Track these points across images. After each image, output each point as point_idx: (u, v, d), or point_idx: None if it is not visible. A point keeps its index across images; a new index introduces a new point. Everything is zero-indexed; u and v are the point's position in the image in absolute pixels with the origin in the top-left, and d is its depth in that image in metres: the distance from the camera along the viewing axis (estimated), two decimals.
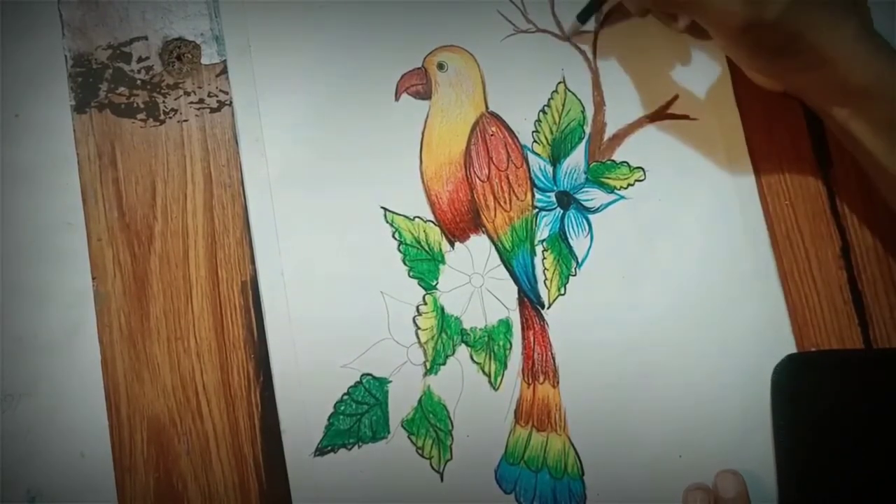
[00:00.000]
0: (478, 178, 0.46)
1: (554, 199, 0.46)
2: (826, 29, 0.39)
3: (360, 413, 0.44)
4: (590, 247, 0.46)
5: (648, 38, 0.48)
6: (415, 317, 0.45)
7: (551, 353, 0.45)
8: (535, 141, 0.47)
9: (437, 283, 0.45)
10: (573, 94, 0.47)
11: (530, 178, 0.46)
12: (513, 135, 0.47)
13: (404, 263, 0.45)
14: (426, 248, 0.45)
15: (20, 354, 0.44)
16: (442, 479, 0.43)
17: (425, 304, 0.45)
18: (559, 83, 0.47)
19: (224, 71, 0.47)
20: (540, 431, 0.44)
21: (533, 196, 0.46)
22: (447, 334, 0.45)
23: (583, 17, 0.47)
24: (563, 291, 0.45)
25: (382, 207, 0.45)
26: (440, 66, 0.47)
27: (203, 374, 0.44)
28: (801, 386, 0.43)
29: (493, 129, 0.47)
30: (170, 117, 0.46)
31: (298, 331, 0.44)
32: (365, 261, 0.45)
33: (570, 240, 0.46)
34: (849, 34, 0.39)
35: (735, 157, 0.47)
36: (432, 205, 0.46)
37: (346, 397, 0.44)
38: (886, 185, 0.41)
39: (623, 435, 0.44)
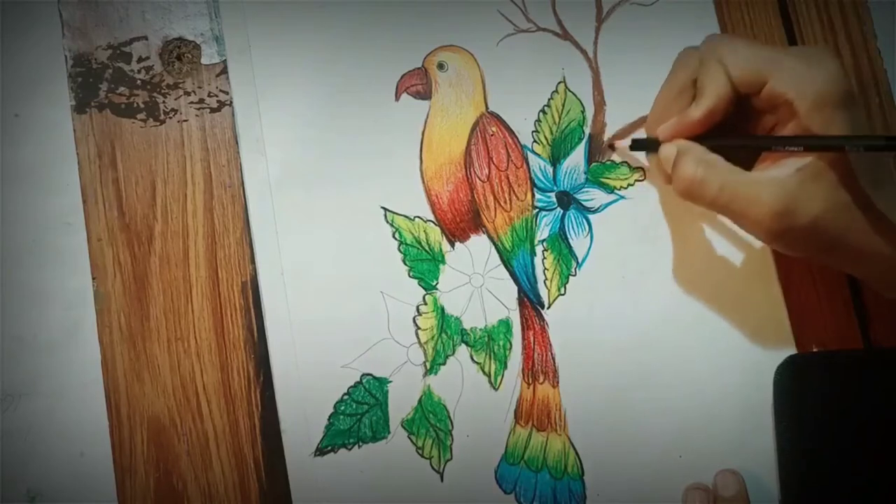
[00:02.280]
0: (478, 178, 0.46)
1: (554, 199, 0.46)
2: (869, 231, 0.38)
3: (360, 413, 0.44)
4: (590, 247, 0.46)
5: (649, 38, 0.48)
6: (415, 317, 0.45)
7: (551, 353, 0.45)
8: (535, 141, 0.47)
9: (437, 283, 0.45)
10: (573, 94, 0.47)
11: (530, 178, 0.46)
12: (513, 135, 0.47)
13: (404, 263, 0.45)
14: (426, 248, 0.45)
15: (20, 354, 0.44)
16: (442, 479, 0.43)
17: (425, 304, 0.45)
18: (559, 83, 0.47)
19: (224, 71, 0.47)
20: (540, 431, 0.44)
21: (533, 196, 0.46)
22: (447, 334, 0.45)
23: (636, 147, 0.45)
24: (563, 291, 0.45)
25: (383, 207, 0.45)
26: (440, 66, 0.47)
27: (203, 375, 0.44)
28: (803, 387, 0.43)
29: (494, 129, 0.47)
30: (170, 117, 0.46)
31: (298, 331, 0.44)
32: (365, 261, 0.45)
33: (570, 240, 0.46)
34: (866, 218, 0.38)
35: None
36: (432, 205, 0.46)
37: (346, 397, 0.44)
38: None
39: (623, 435, 0.44)
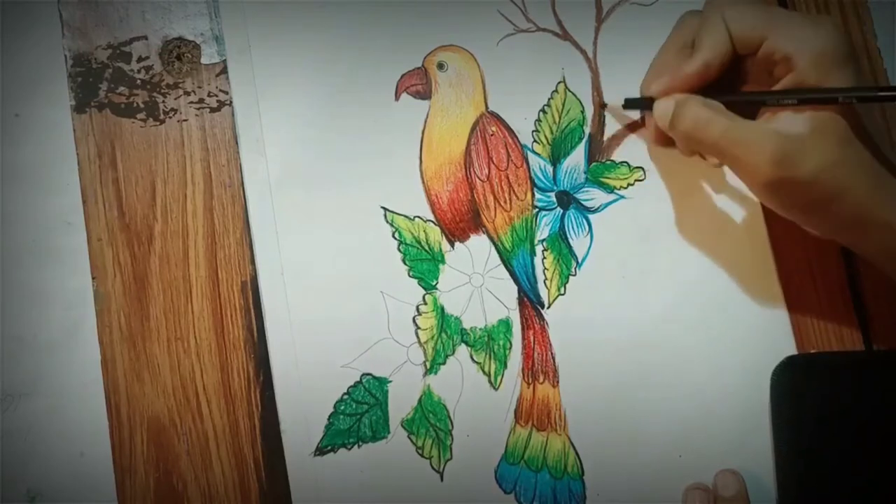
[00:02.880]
0: (478, 177, 0.46)
1: (554, 198, 0.46)
2: (871, 189, 0.38)
3: (360, 413, 0.44)
4: (590, 247, 0.46)
5: (649, 38, 0.47)
6: (415, 317, 0.45)
7: (551, 353, 0.45)
8: (535, 141, 0.47)
9: (437, 283, 0.45)
10: (573, 93, 0.47)
11: (530, 178, 0.46)
12: (513, 134, 0.47)
13: (404, 263, 0.45)
14: (426, 247, 0.45)
15: (20, 354, 0.44)
16: (442, 479, 0.43)
17: (425, 303, 0.45)
18: (559, 83, 0.47)
19: (224, 71, 0.47)
20: (540, 431, 0.44)
21: (533, 196, 0.46)
22: (447, 334, 0.45)
23: (632, 105, 0.46)
24: (563, 291, 0.45)
25: (382, 207, 0.45)
26: (440, 66, 0.47)
27: (203, 375, 0.44)
28: (800, 387, 0.43)
29: (493, 128, 0.47)
30: (170, 117, 0.46)
31: (298, 331, 0.44)
32: (365, 261, 0.45)
33: (570, 240, 0.46)
34: (870, 176, 0.38)
35: None
36: (432, 205, 0.46)
37: (346, 397, 0.44)
38: None
39: (623, 435, 0.44)
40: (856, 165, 0.38)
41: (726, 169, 0.46)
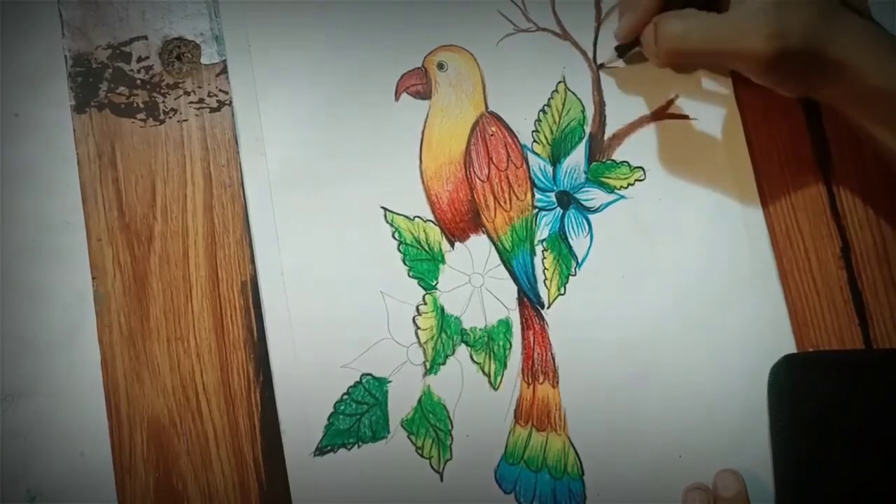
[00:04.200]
0: (478, 177, 0.46)
1: (554, 198, 0.46)
2: (844, 38, 0.39)
3: (359, 413, 0.44)
4: (590, 247, 0.46)
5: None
6: (415, 317, 0.45)
7: (551, 353, 0.45)
8: (535, 141, 0.47)
9: (436, 283, 0.45)
10: (573, 93, 0.47)
11: (530, 178, 0.46)
12: (513, 135, 0.47)
13: (404, 263, 0.45)
14: (426, 247, 0.45)
15: (20, 354, 0.44)
16: (442, 479, 0.43)
17: (425, 303, 0.45)
18: (559, 83, 0.47)
19: (224, 71, 0.47)
20: (540, 431, 0.44)
21: (533, 196, 0.46)
22: (447, 334, 0.45)
23: (622, 51, 0.46)
24: (562, 291, 0.45)
25: (382, 207, 0.45)
26: (440, 66, 0.47)
27: (203, 375, 0.44)
28: (797, 386, 0.43)
29: (493, 128, 0.47)
30: (169, 117, 0.46)
31: (298, 331, 0.44)
32: (365, 261, 0.45)
33: (569, 240, 0.46)
34: (864, 37, 0.39)
35: (735, 157, 0.47)
36: (432, 205, 0.46)
37: (345, 397, 0.44)
38: None
39: (623, 435, 0.44)
40: (849, 32, 0.39)
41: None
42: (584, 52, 0.48)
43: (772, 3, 0.39)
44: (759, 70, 0.40)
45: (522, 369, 0.45)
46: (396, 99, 0.46)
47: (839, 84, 0.40)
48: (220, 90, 0.47)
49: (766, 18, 0.39)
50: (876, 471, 0.41)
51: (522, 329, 0.45)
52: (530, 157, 0.47)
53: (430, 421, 0.44)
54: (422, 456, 0.44)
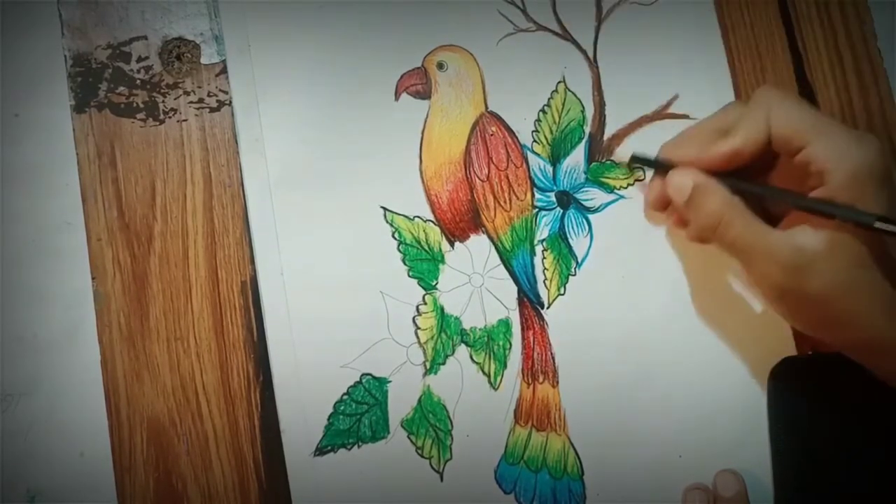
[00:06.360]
0: (478, 177, 0.46)
1: (554, 198, 0.46)
2: (886, 317, 0.37)
3: (359, 413, 0.44)
4: (590, 247, 0.46)
5: (649, 38, 0.48)
6: (414, 317, 0.45)
7: (551, 353, 0.45)
8: (534, 141, 0.47)
9: (436, 283, 0.45)
10: (573, 93, 0.47)
11: (530, 178, 0.46)
12: (513, 134, 0.47)
13: (404, 263, 0.45)
14: (426, 247, 0.45)
15: (20, 354, 0.44)
16: (442, 479, 0.43)
17: (425, 303, 0.45)
18: (559, 83, 0.47)
19: (224, 71, 0.47)
20: (540, 431, 0.44)
21: (533, 196, 0.46)
22: (447, 334, 0.45)
23: (636, 162, 0.45)
24: (562, 291, 0.45)
25: (382, 207, 0.45)
26: (440, 66, 0.47)
27: (203, 375, 0.44)
28: (797, 389, 0.43)
29: (493, 128, 0.47)
30: (169, 117, 0.46)
31: (298, 331, 0.44)
32: (365, 261, 0.45)
33: (569, 239, 0.46)
34: (884, 301, 0.37)
35: None
36: (432, 204, 0.46)
37: (345, 397, 0.44)
38: None
39: (623, 435, 0.44)
40: (868, 290, 0.37)
41: None
42: (584, 52, 0.48)
43: (810, 247, 0.37)
44: (764, 290, 0.39)
45: (522, 369, 0.45)
46: (396, 99, 0.46)
47: (847, 335, 0.38)
48: (219, 90, 0.47)
49: (794, 255, 0.36)
50: (875, 472, 0.41)
51: (522, 329, 0.45)
52: (530, 156, 0.47)
53: (430, 421, 0.44)
54: (422, 456, 0.44)
